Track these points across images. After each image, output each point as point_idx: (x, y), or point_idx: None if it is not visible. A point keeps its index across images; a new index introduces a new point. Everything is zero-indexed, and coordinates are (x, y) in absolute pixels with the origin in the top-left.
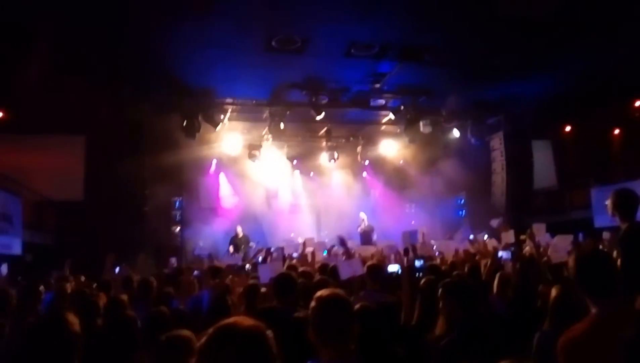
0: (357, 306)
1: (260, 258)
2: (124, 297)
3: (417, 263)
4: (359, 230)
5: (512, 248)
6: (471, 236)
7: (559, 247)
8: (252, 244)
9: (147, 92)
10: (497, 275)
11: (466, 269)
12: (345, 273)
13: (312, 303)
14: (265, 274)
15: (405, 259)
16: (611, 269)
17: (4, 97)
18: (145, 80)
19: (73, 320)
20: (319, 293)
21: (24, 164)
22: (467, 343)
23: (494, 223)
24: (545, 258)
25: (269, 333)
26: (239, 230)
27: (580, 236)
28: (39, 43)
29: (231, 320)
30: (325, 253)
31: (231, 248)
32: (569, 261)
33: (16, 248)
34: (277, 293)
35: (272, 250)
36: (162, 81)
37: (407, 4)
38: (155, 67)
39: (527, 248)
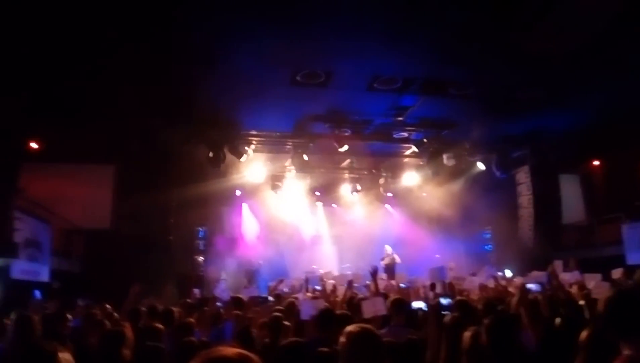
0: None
1: (285, 289)
2: (159, 327)
3: (444, 301)
4: (383, 262)
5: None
6: (499, 273)
7: (600, 284)
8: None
9: (176, 123)
10: (526, 308)
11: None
12: (368, 311)
13: (342, 339)
14: (307, 310)
15: (432, 294)
16: None
17: (39, 128)
18: (174, 112)
19: (65, 357)
20: (348, 329)
21: (55, 192)
22: None
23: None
24: (585, 291)
25: (256, 360)
26: (258, 262)
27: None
28: (72, 77)
29: (217, 348)
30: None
31: (246, 281)
32: (600, 300)
33: (44, 275)
34: (319, 327)
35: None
36: (190, 112)
37: (430, 38)
38: (183, 99)
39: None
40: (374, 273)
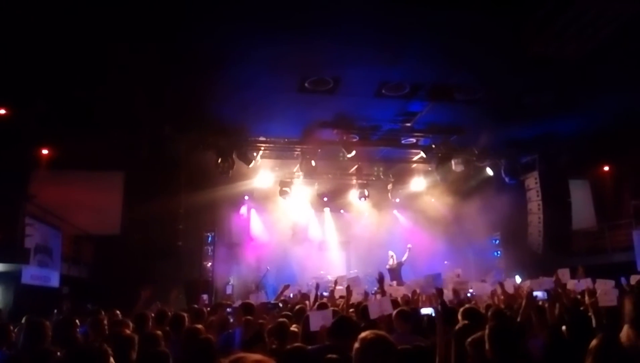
0: None
1: (291, 295)
2: (159, 333)
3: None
4: (387, 267)
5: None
6: (509, 280)
7: (607, 291)
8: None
9: (185, 130)
10: (532, 315)
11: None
12: (374, 312)
13: (356, 345)
14: (317, 322)
15: (439, 300)
16: None
17: (50, 135)
18: (184, 119)
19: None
20: (363, 335)
21: (65, 198)
22: None
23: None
24: (592, 299)
25: None
26: (266, 268)
27: (623, 280)
28: (83, 85)
29: (238, 355)
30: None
31: (254, 286)
32: (627, 304)
33: (54, 281)
34: (331, 335)
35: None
36: (199, 120)
37: (437, 44)
38: (193, 107)
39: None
40: (380, 280)
